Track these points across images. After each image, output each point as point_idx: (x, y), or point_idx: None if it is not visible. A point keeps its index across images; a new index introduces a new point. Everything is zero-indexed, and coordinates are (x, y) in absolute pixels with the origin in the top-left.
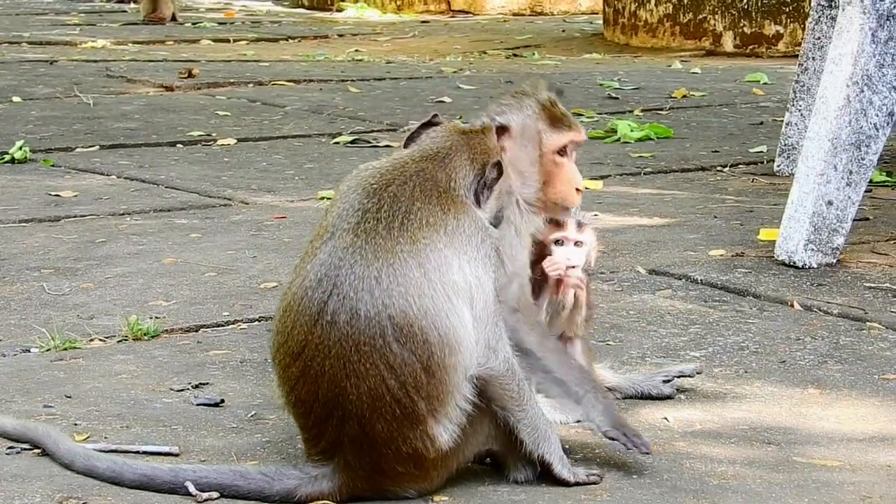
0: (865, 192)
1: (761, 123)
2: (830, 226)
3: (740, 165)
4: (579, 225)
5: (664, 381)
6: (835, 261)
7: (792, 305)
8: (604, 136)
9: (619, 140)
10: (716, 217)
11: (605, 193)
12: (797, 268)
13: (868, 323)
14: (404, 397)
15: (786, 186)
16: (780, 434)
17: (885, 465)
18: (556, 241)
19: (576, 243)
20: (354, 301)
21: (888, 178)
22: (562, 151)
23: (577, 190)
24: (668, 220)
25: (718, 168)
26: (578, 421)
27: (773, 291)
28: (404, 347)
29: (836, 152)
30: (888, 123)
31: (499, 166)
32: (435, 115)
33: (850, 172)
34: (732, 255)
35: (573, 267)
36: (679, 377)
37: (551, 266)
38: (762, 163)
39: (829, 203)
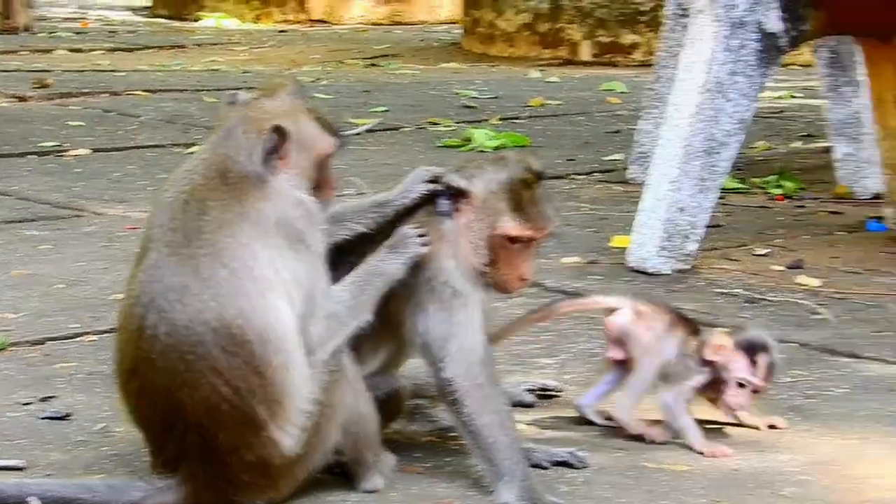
0: (718, 198)
1: (617, 132)
2: (683, 232)
3: (595, 173)
4: (770, 368)
5: (527, 391)
6: (687, 267)
7: None
8: (460, 144)
9: (474, 149)
10: (570, 225)
11: None
12: (650, 274)
13: (718, 329)
14: (241, 403)
15: (639, 194)
16: (629, 439)
17: (732, 469)
18: (741, 384)
19: (754, 391)
20: (170, 313)
21: (741, 185)
22: (516, 241)
23: (522, 279)
24: None
25: (573, 176)
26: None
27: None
28: (227, 351)
29: (688, 159)
30: (740, 131)
31: (279, 130)
32: (234, 93)
33: (703, 179)
34: (586, 263)
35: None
36: (542, 390)
37: (728, 398)
38: (617, 171)
39: (682, 209)
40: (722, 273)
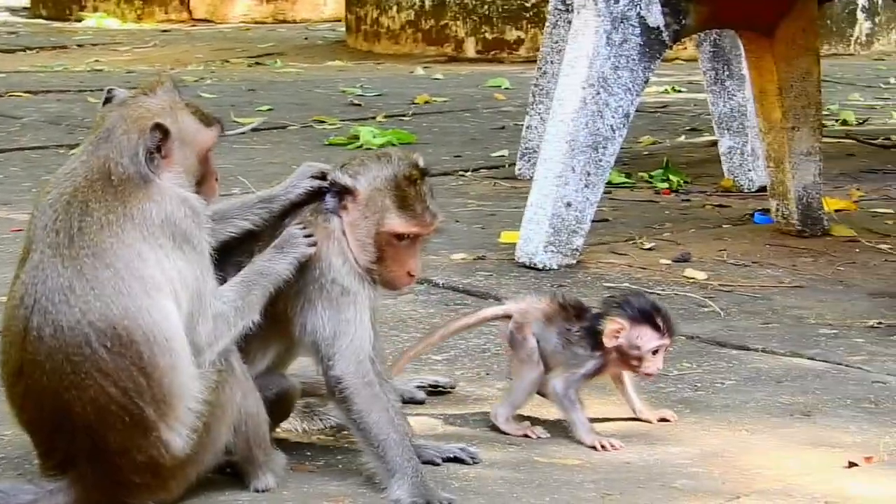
0: (605, 193)
1: (503, 128)
2: (569, 227)
3: (482, 170)
4: (668, 320)
5: (418, 387)
6: (574, 262)
7: None
8: (346, 142)
9: (361, 146)
10: (458, 221)
11: None
12: (538, 269)
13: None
14: (129, 404)
15: (527, 189)
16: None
17: (624, 462)
18: (654, 351)
19: (666, 349)
20: (54, 314)
21: (627, 180)
22: (402, 237)
23: (410, 275)
24: None
25: (461, 173)
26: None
27: (513, 294)
28: (113, 352)
29: (573, 154)
30: (624, 125)
31: (160, 128)
32: (110, 90)
33: (588, 174)
34: (474, 259)
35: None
36: (433, 387)
37: (646, 370)
38: (504, 167)
39: (568, 205)
40: (609, 267)
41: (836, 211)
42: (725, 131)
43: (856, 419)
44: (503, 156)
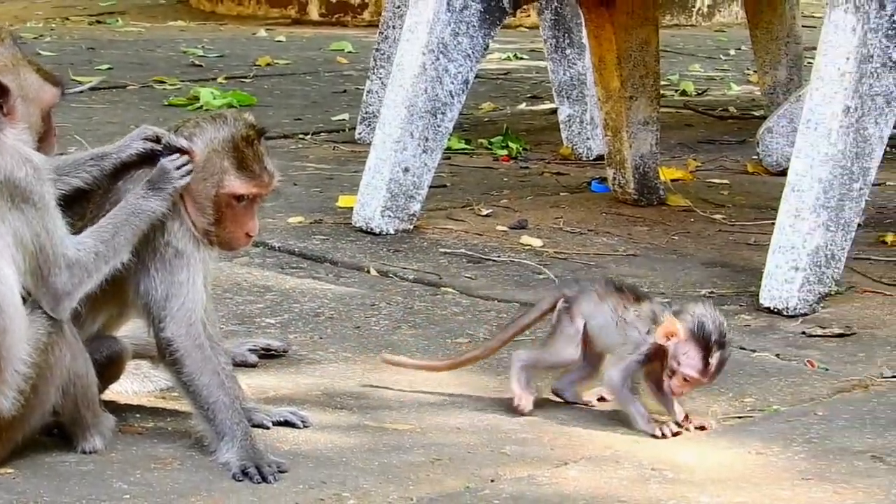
0: (444, 159)
1: (344, 91)
2: (407, 192)
3: (322, 133)
4: (721, 366)
5: (250, 350)
6: (411, 227)
7: (368, 271)
8: (186, 103)
9: (201, 108)
10: (296, 184)
11: None
12: (374, 234)
13: (442, 288)
14: None
15: (366, 153)
16: (353, 399)
17: (454, 427)
18: (686, 379)
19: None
20: None
21: (466, 146)
22: (241, 198)
23: (248, 235)
24: None
25: (300, 136)
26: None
27: (349, 258)
28: None
29: (412, 119)
30: (463, 91)
31: (1, 85)
32: None
33: (427, 140)
34: (311, 223)
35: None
36: (266, 350)
37: (672, 387)
38: (344, 131)
39: (406, 170)
40: (446, 233)
41: (673, 181)
42: (565, 99)
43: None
44: (344, 120)
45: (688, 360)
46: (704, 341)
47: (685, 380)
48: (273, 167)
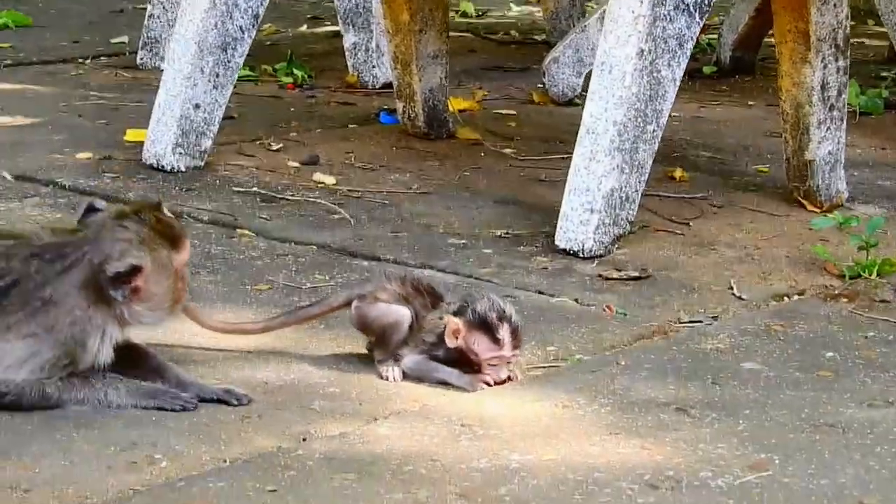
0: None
1: (121, 11)
2: (198, 129)
3: (102, 57)
4: (515, 333)
5: None
6: (203, 164)
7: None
8: None
9: None
10: (81, 116)
11: None
12: (166, 171)
13: (238, 230)
14: None
15: (149, 81)
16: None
17: (261, 381)
18: (491, 363)
19: (508, 361)
20: None
21: (251, 73)
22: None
23: (186, 290)
24: (32, 119)
25: (80, 60)
26: None
27: (142, 196)
28: None
29: (202, 55)
30: (254, 26)
31: None
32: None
33: (217, 75)
34: (100, 159)
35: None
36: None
37: (483, 378)
38: (125, 54)
39: (197, 106)
40: (238, 170)
41: (461, 111)
42: (350, 27)
43: None
44: (124, 43)
45: (481, 346)
46: (486, 324)
47: (491, 364)
48: (180, 227)
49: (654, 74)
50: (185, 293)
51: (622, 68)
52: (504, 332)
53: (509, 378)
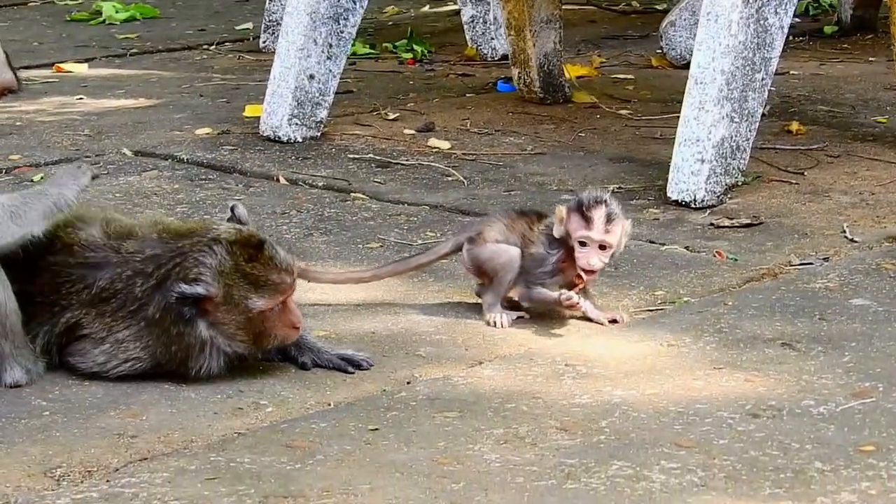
0: (349, 65)
1: (247, 0)
2: (313, 99)
3: (227, 43)
4: (609, 219)
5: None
6: (319, 134)
7: (277, 180)
8: (88, 18)
9: (104, 22)
10: (202, 96)
11: (91, 77)
12: (282, 142)
13: (352, 194)
14: None
15: (272, 62)
16: None
17: (369, 331)
18: (581, 242)
19: (601, 246)
20: None
21: (371, 51)
22: (272, 309)
23: (295, 327)
24: (154, 101)
25: (205, 47)
26: None
27: (258, 167)
28: None
29: (315, 26)
30: None
31: None
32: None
33: (330, 46)
34: (218, 133)
35: (593, 272)
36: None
37: (578, 261)
38: (248, 40)
39: (311, 77)
40: (354, 139)
41: (578, 77)
42: (468, 0)
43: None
44: (248, 29)
45: (573, 225)
46: (581, 204)
47: (581, 244)
48: (288, 259)
49: (761, 22)
50: (271, 339)
51: (728, 17)
52: (595, 213)
53: (615, 321)
